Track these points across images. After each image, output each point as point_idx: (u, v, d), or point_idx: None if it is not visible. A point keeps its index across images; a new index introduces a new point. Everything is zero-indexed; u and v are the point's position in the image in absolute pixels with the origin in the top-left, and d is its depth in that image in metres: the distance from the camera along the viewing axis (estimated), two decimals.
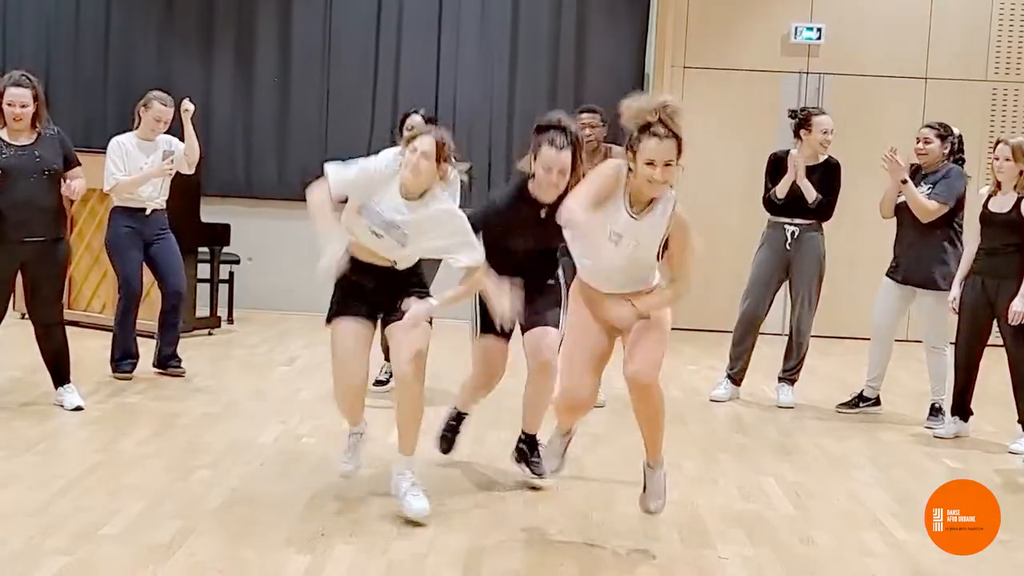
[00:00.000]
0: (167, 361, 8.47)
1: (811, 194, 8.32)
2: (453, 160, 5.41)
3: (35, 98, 7.20)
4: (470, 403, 6.33)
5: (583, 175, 5.13)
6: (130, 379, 8.28)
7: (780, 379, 8.67)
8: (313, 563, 4.88)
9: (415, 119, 7.70)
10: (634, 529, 5.53)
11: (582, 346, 5.13)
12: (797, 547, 5.40)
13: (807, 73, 11.87)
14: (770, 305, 8.64)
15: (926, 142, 8.00)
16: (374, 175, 5.39)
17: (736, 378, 8.73)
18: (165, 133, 8.38)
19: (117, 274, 8.49)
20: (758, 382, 9.14)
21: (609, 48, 11.93)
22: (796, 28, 11.81)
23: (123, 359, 8.35)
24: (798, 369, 8.62)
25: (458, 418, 6.34)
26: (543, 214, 5.68)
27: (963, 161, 8.09)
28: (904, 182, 7.84)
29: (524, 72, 11.90)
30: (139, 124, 8.31)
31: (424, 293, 5.52)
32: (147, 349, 8.52)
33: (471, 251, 5.41)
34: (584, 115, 8.19)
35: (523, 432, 6.15)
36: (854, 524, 5.81)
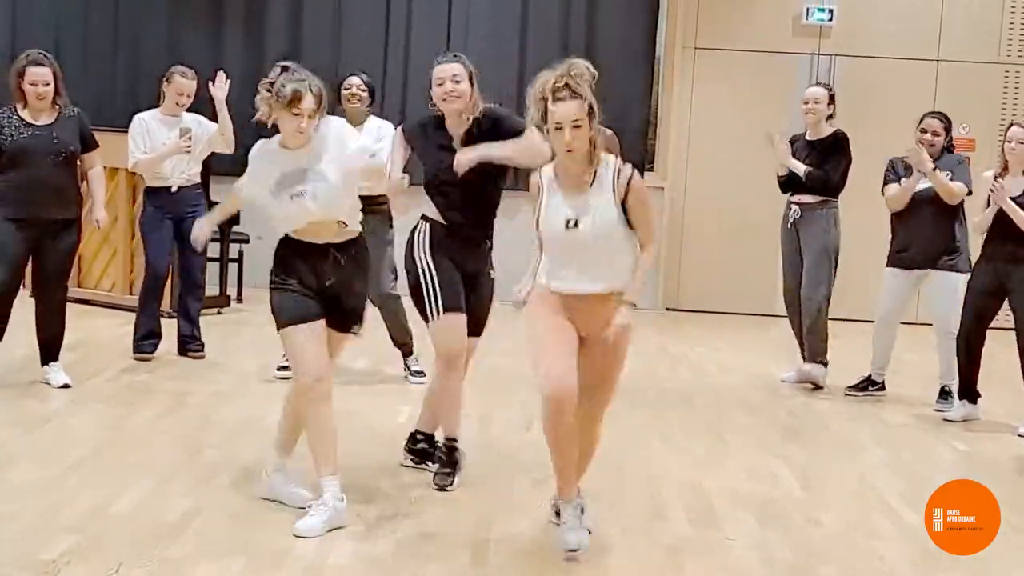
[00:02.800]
0: (187, 343, 8.46)
1: (799, 169, 8.37)
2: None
3: (55, 76, 7.21)
4: (454, 417, 5.89)
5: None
6: (151, 359, 8.28)
7: (805, 358, 8.66)
8: (321, 543, 4.89)
9: (353, 80, 7.99)
10: (642, 511, 5.53)
11: (557, 337, 4.87)
12: (805, 529, 5.40)
13: (818, 54, 11.83)
14: (800, 284, 8.63)
15: (935, 134, 8.01)
16: (254, 163, 5.30)
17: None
18: (191, 111, 8.36)
19: (145, 253, 8.49)
20: (765, 364, 9.14)
21: (620, 28, 11.89)
22: (808, 9, 11.77)
23: (145, 339, 8.35)
24: (819, 348, 8.53)
25: (440, 445, 5.96)
26: (455, 145, 5.69)
27: (952, 149, 8.17)
28: (934, 169, 7.82)
29: (534, 54, 11.85)
30: (163, 100, 8.30)
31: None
32: (167, 331, 8.53)
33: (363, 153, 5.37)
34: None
35: (420, 432, 5.98)
36: (862, 506, 5.81)
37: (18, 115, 7.18)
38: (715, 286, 11.78)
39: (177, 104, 8.25)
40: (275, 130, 5.23)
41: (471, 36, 11.88)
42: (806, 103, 8.54)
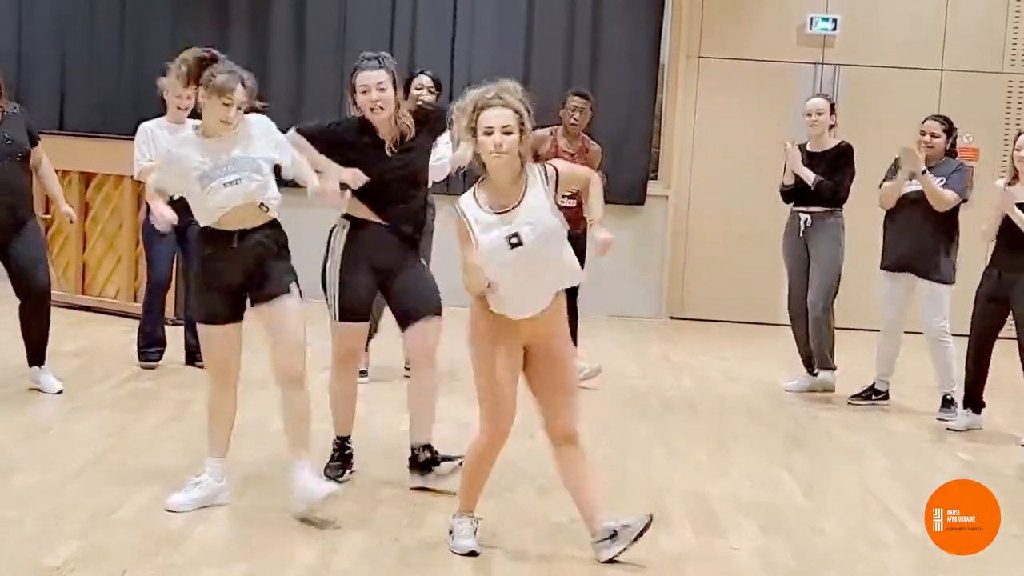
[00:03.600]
0: (195, 351, 8.44)
1: (809, 177, 8.37)
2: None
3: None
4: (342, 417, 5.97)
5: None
6: (155, 367, 8.28)
7: (815, 367, 8.67)
8: (324, 551, 4.89)
9: (423, 80, 8.14)
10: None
11: (505, 375, 4.82)
12: (809, 537, 5.40)
13: (822, 64, 11.83)
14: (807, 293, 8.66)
15: (933, 136, 8.00)
16: (176, 153, 5.42)
17: (810, 369, 8.74)
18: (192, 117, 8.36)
19: (147, 260, 8.50)
20: (769, 372, 9.14)
21: (624, 38, 11.89)
22: (812, 19, 11.77)
23: (149, 347, 8.35)
24: (825, 356, 8.59)
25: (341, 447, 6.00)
26: (388, 151, 5.69)
27: (955, 155, 8.15)
28: (924, 172, 7.82)
29: (539, 60, 11.86)
30: (167, 109, 8.31)
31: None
32: (171, 338, 8.53)
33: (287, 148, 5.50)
34: (575, 98, 8.26)
35: (419, 445, 5.85)
36: (866, 515, 5.81)
37: None
38: (719, 294, 11.76)
39: (179, 108, 8.24)
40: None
41: (475, 43, 11.88)
42: (809, 114, 8.56)
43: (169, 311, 9.06)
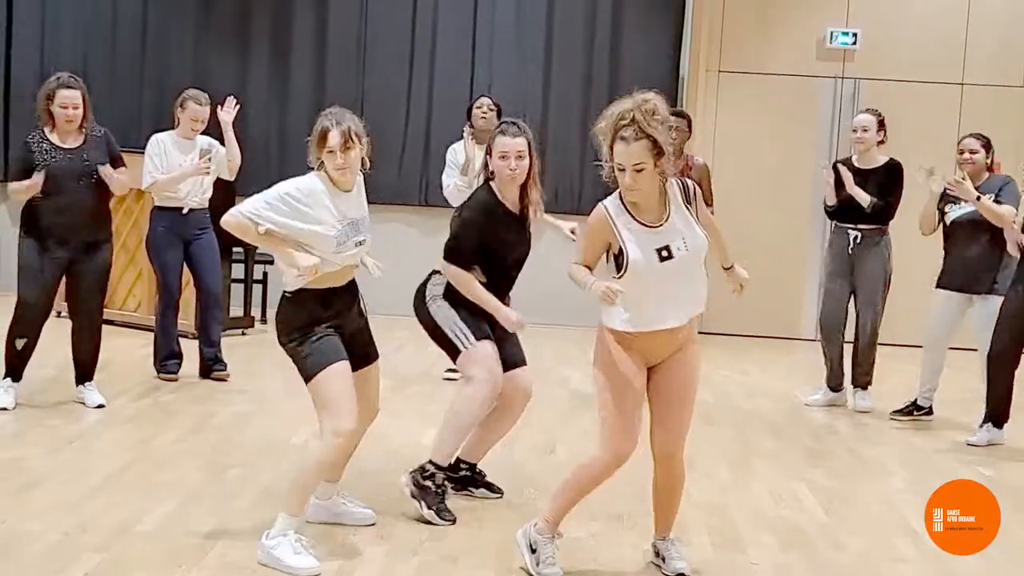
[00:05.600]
0: (210, 364, 8.48)
1: (864, 200, 8.34)
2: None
3: (83, 99, 7.25)
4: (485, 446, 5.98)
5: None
6: (176, 379, 8.31)
7: (854, 384, 8.66)
8: (344, 565, 4.89)
9: (484, 101, 8.66)
10: None
11: (632, 401, 4.74)
12: (829, 553, 5.38)
13: (842, 78, 11.83)
14: (847, 311, 8.64)
15: (972, 152, 7.98)
16: (306, 202, 4.95)
17: (832, 386, 8.74)
18: (204, 134, 8.39)
19: (155, 273, 8.54)
20: (791, 387, 9.12)
21: (643, 51, 11.93)
22: (831, 33, 11.77)
23: (168, 359, 8.39)
24: (869, 373, 8.61)
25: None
26: (520, 214, 5.70)
27: (994, 170, 8.09)
28: (978, 199, 7.75)
29: (558, 75, 11.91)
30: (178, 124, 8.34)
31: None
32: (188, 351, 8.56)
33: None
34: (671, 118, 8.23)
35: (463, 460, 5.91)
36: (887, 530, 5.79)
37: (47, 139, 7.22)
38: (739, 308, 11.73)
39: (193, 129, 8.29)
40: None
41: (495, 58, 11.92)
42: (855, 131, 8.53)
43: (188, 325, 9.09)
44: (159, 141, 8.31)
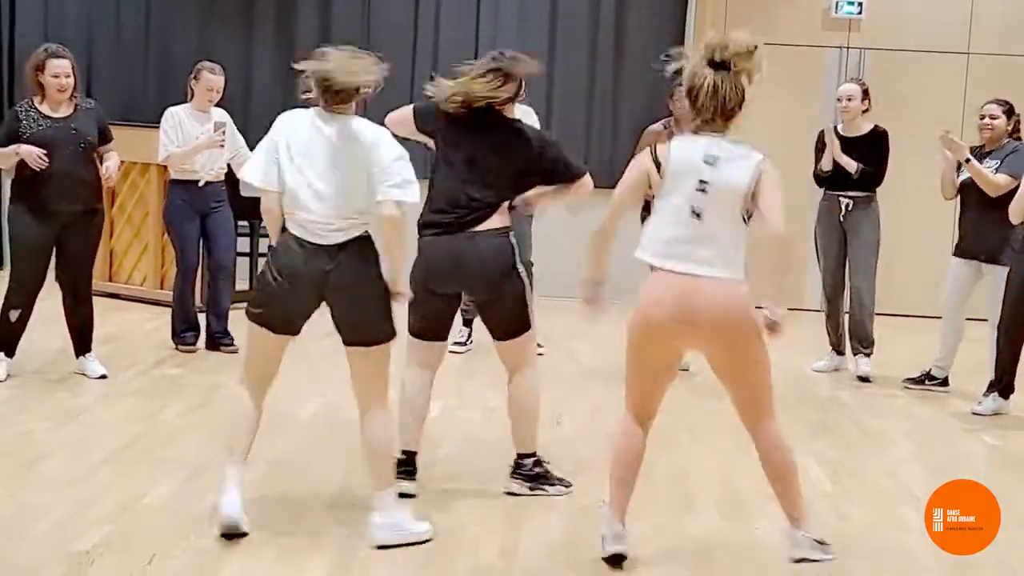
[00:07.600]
0: (218, 338, 8.50)
1: (851, 166, 8.37)
2: None
3: (73, 69, 7.26)
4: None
5: None
6: (195, 351, 8.35)
7: (854, 351, 8.68)
8: (351, 536, 4.91)
9: None
10: (672, 503, 5.55)
11: (652, 378, 5.08)
12: (835, 523, 5.40)
13: (848, 48, 11.78)
14: (844, 276, 8.68)
15: (992, 118, 7.96)
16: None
17: (838, 350, 8.81)
18: (219, 106, 8.41)
19: (173, 247, 8.56)
20: (794, 359, 9.12)
21: (648, 22, 11.86)
22: (837, 3, 11.71)
23: (186, 331, 8.42)
24: (870, 341, 8.62)
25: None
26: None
27: (1020, 139, 8.05)
28: (967, 160, 7.76)
29: (562, 51, 11.83)
30: (192, 96, 8.35)
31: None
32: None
33: None
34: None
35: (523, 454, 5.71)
36: (892, 501, 5.81)
37: (36, 108, 7.23)
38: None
39: (208, 100, 8.30)
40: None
41: (500, 29, 11.87)
42: (839, 100, 8.55)
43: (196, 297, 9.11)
44: (174, 114, 8.31)
